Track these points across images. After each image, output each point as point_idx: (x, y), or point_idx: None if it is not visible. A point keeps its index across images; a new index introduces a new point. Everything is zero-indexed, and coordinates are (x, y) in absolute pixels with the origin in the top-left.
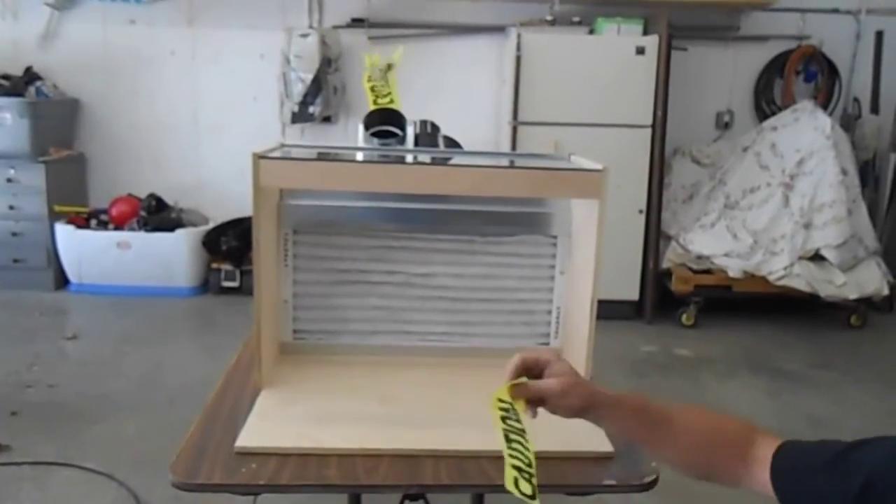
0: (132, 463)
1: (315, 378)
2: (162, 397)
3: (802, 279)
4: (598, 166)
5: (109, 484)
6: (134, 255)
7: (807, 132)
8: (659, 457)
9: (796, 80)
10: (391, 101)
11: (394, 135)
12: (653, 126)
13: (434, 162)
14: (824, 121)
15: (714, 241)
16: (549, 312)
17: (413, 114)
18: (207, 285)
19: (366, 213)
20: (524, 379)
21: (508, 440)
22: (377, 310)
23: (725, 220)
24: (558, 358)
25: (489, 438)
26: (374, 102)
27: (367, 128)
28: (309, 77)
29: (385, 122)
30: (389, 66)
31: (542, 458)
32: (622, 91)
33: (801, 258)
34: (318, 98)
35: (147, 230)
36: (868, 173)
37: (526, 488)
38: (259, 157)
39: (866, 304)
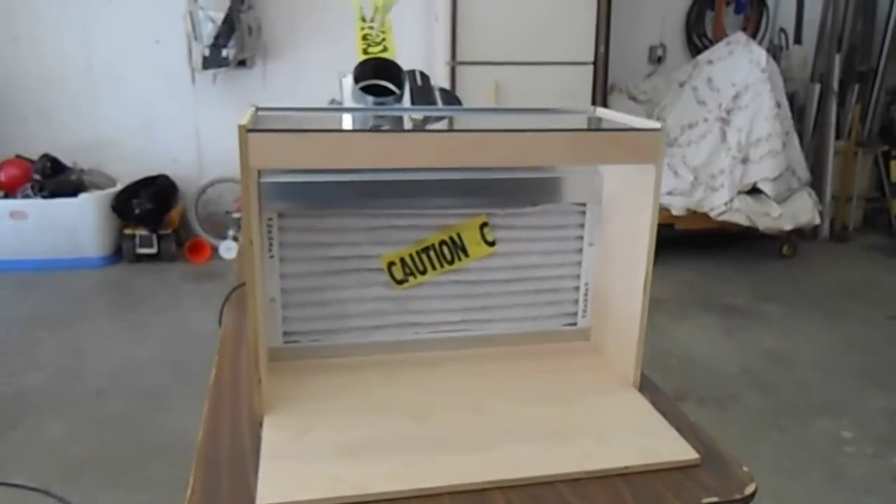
0: (67, 472)
1: (321, 392)
2: (88, 389)
3: (742, 213)
4: (654, 124)
5: (45, 501)
6: (32, 225)
7: (742, 65)
8: None
9: (726, 11)
10: (384, 50)
11: (390, 92)
12: (594, 63)
13: (463, 128)
14: (759, 53)
15: None
16: (577, 289)
17: (335, 56)
18: (121, 254)
19: (364, 187)
20: None
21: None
22: (381, 301)
23: (666, 157)
24: None
25: (556, 455)
26: (364, 52)
27: (357, 81)
28: (220, 16)
29: (379, 75)
30: (382, 5)
31: (626, 474)
32: (563, 26)
33: (739, 192)
34: (231, 40)
35: (44, 196)
36: (794, 104)
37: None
38: (247, 131)
39: (796, 234)
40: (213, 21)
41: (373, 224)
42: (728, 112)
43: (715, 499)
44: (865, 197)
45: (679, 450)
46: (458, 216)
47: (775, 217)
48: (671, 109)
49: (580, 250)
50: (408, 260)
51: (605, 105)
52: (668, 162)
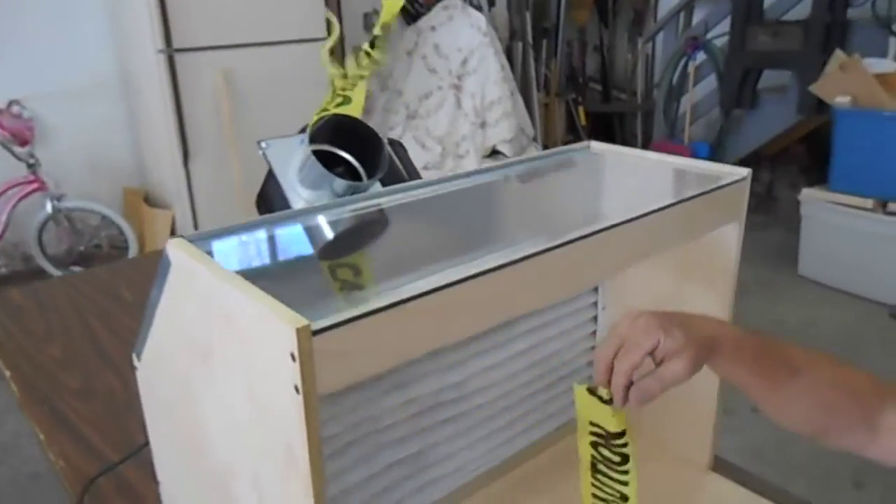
0: None
1: None
2: None
3: None
4: (740, 171)
5: None
6: None
7: (464, 30)
8: (768, 409)
9: None
10: (343, 103)
11: (346, 163)
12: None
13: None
14: (478, 17)
15: None
16: (589, 364)
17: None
18: None
19: None
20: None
21: (597, 471)
22: (394, 467)
23: (410, 131)
24: (656, 324)
25: None
26: (324, 108)
27: (313, 142)
28: None
29: (342, 141)
30: (373, 46)
31: None
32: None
33: (484, 157)
34: None
35: None
36: None
37: None
38: (312, 333)
39: None
40: None
41: None
42: (459, 78)
43: None
44: (563, 140)
45: None
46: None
47: None
48: (405, 80)
49: (595, 318)
50: None
51: None
52: (414, 135)
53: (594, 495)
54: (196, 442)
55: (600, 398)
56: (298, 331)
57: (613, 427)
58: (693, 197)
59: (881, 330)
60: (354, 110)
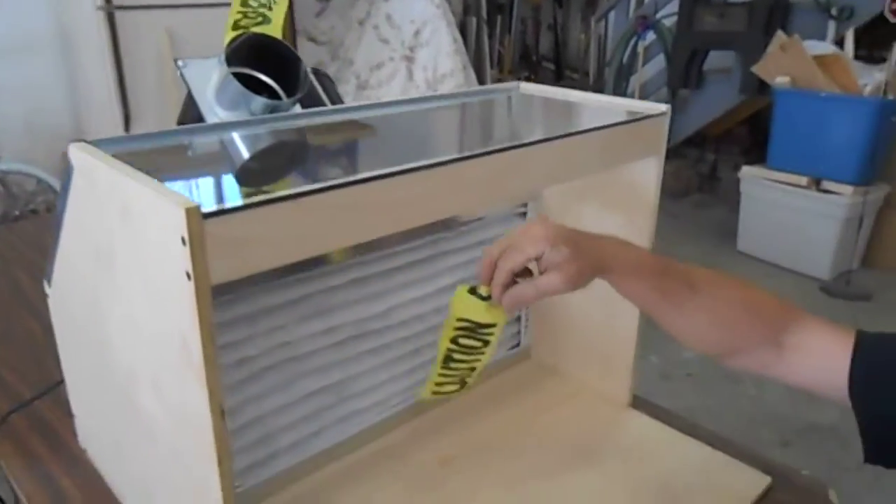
0: None
1: None
2: None
3: None
4: (658, 107)
5: None
6: None
7: (417, 1)
8: (672, 329)
9: None
10: (262, 22)
11: (265, 84)
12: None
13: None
14: None
15: None
16: None
17: None
18: None
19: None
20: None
21: (450, 360)
22: (314, 396)
23: (360, 102)
24: (544, 236)
25: None
26: (236, 25)
27: (229, 64)
28: None
29: (260, 62)
30: None
31: None
32: None
33: None
34: None
35: None
36: None
37: (450, 388)
38: (204, 215)
39: None
40: None
41: (303, 291)
42: (411, 49)
43: None
44: None
45: (751, 480)
46: (406, 251)
47: None
48: (356, 50)
49: None
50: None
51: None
52: None
53: (438, 384)
54: (103, 360)
55: (480, 296)
56: (188, 211)
57: (485, 319)
58: (612, 125)
59: (812, 303)
60: (274, 30)
